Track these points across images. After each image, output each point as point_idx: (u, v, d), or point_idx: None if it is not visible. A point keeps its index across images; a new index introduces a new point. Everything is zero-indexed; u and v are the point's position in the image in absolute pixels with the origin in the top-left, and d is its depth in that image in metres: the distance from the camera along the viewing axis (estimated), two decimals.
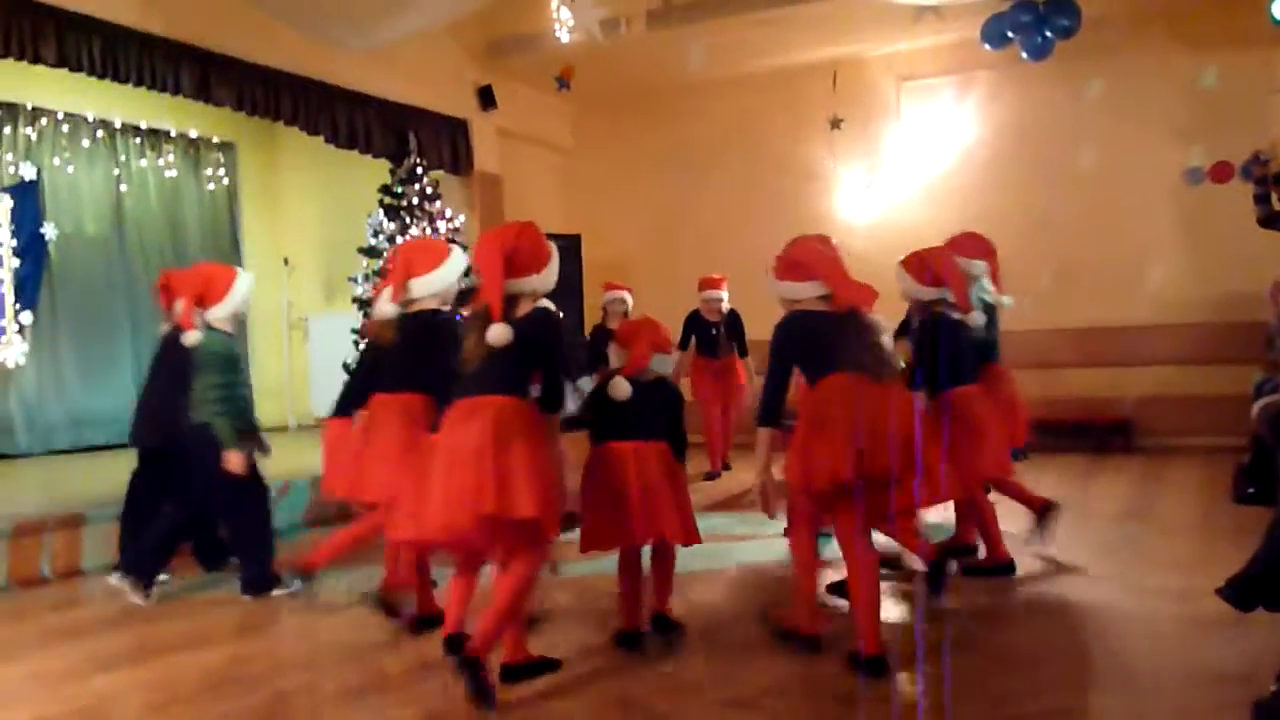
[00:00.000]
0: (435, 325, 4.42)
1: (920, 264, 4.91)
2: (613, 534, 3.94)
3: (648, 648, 4.10)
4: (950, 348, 4.82)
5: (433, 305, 4.51)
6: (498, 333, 3.53)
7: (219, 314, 5.26)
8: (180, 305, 5.31)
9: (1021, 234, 8.93)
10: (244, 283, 5.37)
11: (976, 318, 4.95)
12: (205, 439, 5.01)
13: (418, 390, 4.37)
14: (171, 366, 5.35)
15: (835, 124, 10.46)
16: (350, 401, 4.67)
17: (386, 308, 4.51)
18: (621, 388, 4.00)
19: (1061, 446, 8.81)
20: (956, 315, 4.88)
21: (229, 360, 5.17)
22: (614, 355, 4.16)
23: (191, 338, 5.14)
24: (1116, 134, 9.50)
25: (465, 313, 4.03)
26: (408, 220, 8.92)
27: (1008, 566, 5.05)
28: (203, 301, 5.27)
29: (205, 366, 5.07)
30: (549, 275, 3.75)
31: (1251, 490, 6.34)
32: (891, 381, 3.84)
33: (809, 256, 3.97)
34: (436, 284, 4.50)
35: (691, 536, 4.02)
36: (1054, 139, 9.73)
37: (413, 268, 4.47)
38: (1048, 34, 8.57)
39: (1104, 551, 5.46)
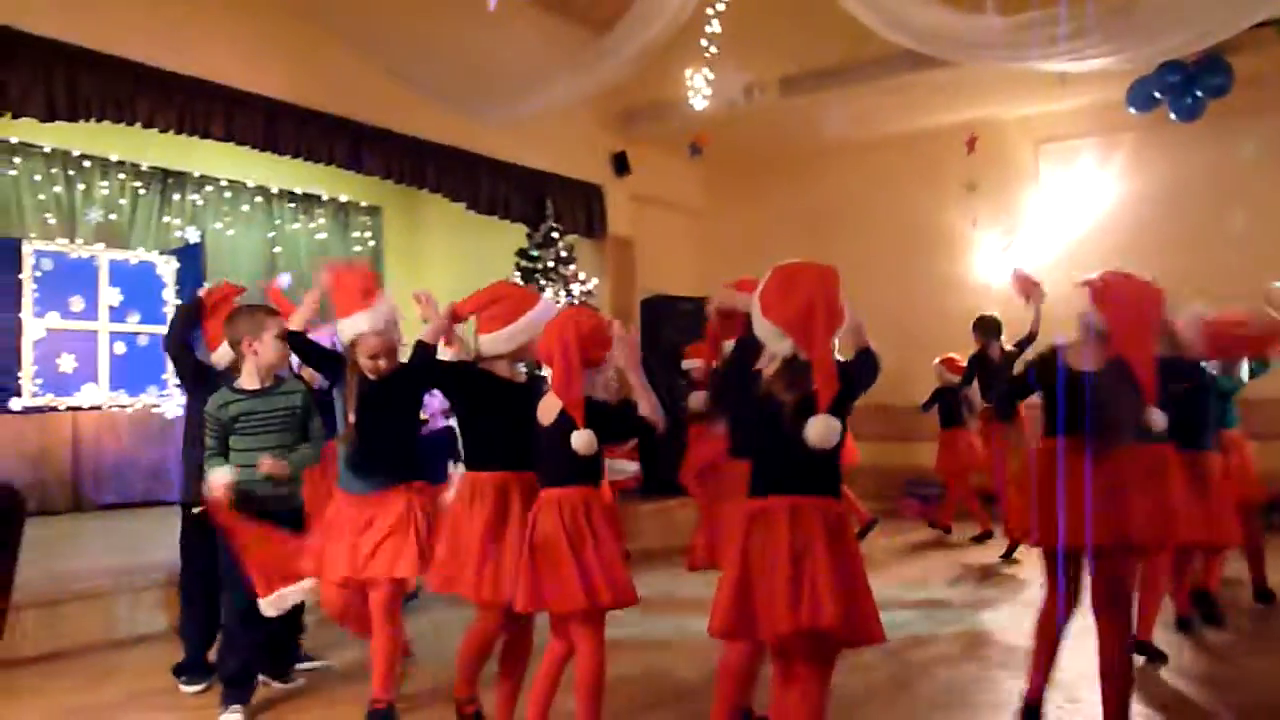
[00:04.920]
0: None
1: None
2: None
3: None
4: None
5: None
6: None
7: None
8: None
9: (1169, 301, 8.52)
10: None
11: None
12: None
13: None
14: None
15: (971, 187, 10.32)
16: None
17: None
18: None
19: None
20: None
21: None
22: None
23: None
24: (1274, 196, 9.07)
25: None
26: (543, 283, 9.15)
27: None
28: None
29: None
30: None
31: None
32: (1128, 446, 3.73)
33: (1142, 298, 4.01)
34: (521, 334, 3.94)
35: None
36: (1204, 202, 9.33)
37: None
38: (1198, 94, 8.29)
39: None
